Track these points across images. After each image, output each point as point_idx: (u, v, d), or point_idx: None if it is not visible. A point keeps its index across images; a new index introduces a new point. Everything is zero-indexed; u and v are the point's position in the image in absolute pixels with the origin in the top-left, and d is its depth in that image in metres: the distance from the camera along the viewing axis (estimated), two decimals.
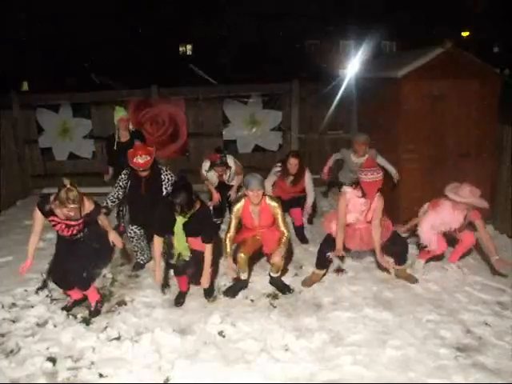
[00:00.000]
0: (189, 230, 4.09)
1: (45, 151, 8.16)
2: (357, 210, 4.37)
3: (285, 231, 4.31)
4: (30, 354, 3.65)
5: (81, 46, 20.70)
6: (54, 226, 3.96)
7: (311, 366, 3.44)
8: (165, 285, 4.62)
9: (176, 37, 26.44)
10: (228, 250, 4.31)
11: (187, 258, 4.18)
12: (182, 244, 4.14)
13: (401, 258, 4.66)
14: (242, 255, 4.39)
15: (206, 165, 5.79)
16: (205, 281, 4.17)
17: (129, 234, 5.01)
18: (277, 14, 24.50)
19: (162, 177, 4.82)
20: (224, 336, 3.85)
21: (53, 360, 3.58)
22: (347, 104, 7.56)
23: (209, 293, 4.50)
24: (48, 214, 3.87)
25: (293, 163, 5.36)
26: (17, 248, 5.61)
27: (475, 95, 5.49)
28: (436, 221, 4.56)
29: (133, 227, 4.98)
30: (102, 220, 4.14)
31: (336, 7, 24.46)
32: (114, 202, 4.93)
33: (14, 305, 4.40)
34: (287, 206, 5.63)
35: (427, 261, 4.94)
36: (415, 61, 5.53)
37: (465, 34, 27.27)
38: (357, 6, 24.16)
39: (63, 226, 3.96)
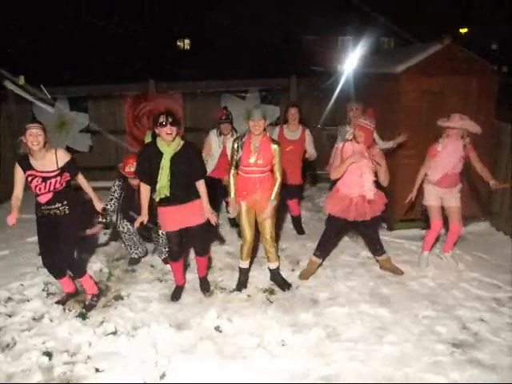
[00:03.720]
0: (176, 166, 3.93)
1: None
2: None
3: (278, 177, 4.26)
4: (26, 348, 3.64)
5: (78, 40, 20.62)
6: (30, 182, 3.86)
7: (307, 362, 3.45)
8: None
9: (174, 31, 26.35)
10: (232, 187, 4.33)
11: (167, 195, 4.01)
12: (164, 180, 3.94)
13: (378, 247, 4.77)
14: (247, 237, 4.39)
15: (214, 131, 5.76)
16: (208, 213, 4.11)
17: (121, 229, 5.00)
18: (276, 9, 24.42)
19: None
20: (221, 331, 3.85)
21: (49, 354, 3.57)
22: (345, 99, 7.54)
23: (205, 287, 4.51)
24: (26, 167, 3.85)
25: (293, 112, 5.52)
26: (13, 242, 5.60)
27: (473, 92, 5.49)
28: (443, 159, 4.61)
29: (126, 222, 4.98)
30: (82, 181, 4.09)
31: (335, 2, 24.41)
32: (111, 215, 4.95)
33: (9, 299, 4.38)
34: (284, 196, 5.64)
35: (431, 249, 4.99)
36: (414, 57, 5.52)
37: (463, 30, 27.27)
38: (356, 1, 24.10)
39: (40, 181, 3.85)
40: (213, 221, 4.13)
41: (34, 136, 3.74)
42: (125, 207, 4.98)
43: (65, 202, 3.98)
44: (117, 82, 8.59)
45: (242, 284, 4.57)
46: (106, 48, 20.64)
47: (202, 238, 4.34)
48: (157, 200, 4.10)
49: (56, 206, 3.96)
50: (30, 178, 3.87)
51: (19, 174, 3.90)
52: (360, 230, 4.99)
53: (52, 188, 3.90)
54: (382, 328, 3.84)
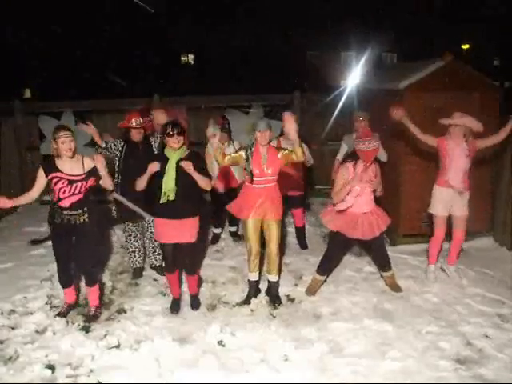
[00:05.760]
0: (182, 170, 4.00)
1: (46, 158, 8.15)
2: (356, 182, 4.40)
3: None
4: (29, 361, 3.63)
5: (83, 54, 20.84)
6: (55, 185, 3.91)
7: (310, 377, 3.44)
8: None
9: (178, 46, 26.62)
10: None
11: (172, 198, 4.06)
12: (170, 184, 4.03)
13: (386, 263, 4.73)
14: (253, 249, 4.43)
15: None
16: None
17: (126, 233, 5.07)
18: (279, 25, 24.68)
19: (153, 143, 4.99)
20: (223, 345, 3.84)
21: (52, 367, 3.57)
22: (348, 115, 7.59)
23: (195, 304, 4.48)
24: (51, 169, 3.93)
25: None
26: (16, 255, 5.62)
27: (475, 108, 5.51)
28: (455, 160, 4.68)
29: (129, 225, 5.03)
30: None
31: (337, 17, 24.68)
32: (111, 150, 4.92)
33: (13, 311, 4.38)
34: (289, 205, 5.66)
35: (436, 261, 5.02)
36: (416, 73, 5.57)
37: (465, 46, 27.49)
38: (358, 16, 24.36)
39: (65, 183, 3.91)
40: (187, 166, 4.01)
41: (67, 143, 3.89)
42: (126, 168, 4.84)
43: (85, 209, 4.05)
44: (122, 97, 8.68)
45: (250, 297, 4.56)
46: (111, 63, 20.84)
47: (191, 256, 4.35)
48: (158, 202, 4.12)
49: (78, 211, 4.01)
50: (54, 180, 3.93)
51: (41, 179, 3.98)
52: (368, 246, 4.96)
53: (77, 191, 3.96)
54: (386, 343, 3.83)
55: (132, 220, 5.00)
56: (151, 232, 5.05)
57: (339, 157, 5.68)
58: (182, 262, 4.35)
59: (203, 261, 5.50)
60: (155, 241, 5.04)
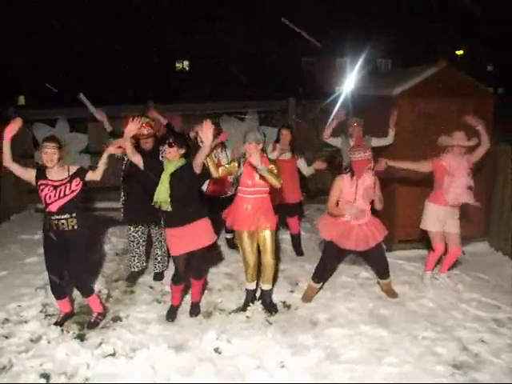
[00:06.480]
0: (175, 182, 4.05)
1: (41, 166, 8.14)
2: (349, 193, 4.40)
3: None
4: (24, 370, 3.60)
5: (78, 61, 20.84)
6: (41, 191, 3.96)
7: (307, 383, 3.42)
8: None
9: (173, 52, 26.67)
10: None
11: (168, 209, 4.08)
12: (163, 195, 4.05)
13: (384, 271, 4.73)
14: (250, 262, 4.43)
15: None
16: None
17: (129, 239, 5.10)
18: (274, 32, 24.76)
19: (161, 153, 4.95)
20: (220, 352, 3.83)
21: (46, 376, 3.54)
22: (343, 121, 7.60)
23: (195, 312, 4.48)
24: (41, 176, 4.01)
25: (285, 133, 5.50)
26: (11, 263, 5.59)
27: (468, 113, 5.51)
28: (457, 180, 4.68)
29: (131, 231, 5.05)
30: (94, 173, 4.11)
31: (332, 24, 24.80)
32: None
33: (7, 320, 4.35)
34: (284, 214, 5.67)
35: (433, 269, 5.04)
36: (410, 79, 5.60)
37: (459, 52, 27.69)
38: (353, 23, 24.50)
39: (50, 189, 3.95)
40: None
41: (48, 155, 3.95)
42: (130, 175, 4.85)
43: (73, 214, 4.02)
44: (116, 104, 8.66)
45: (247, 304, 4.56)
46: (105, 69, 20.84)
47: (201, 260, 4.38)
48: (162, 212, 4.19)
49: (65, 216, 3.99)
50: (41, 187, 3.98)
51: (29, 173, 4.05)
52: (365, 255, 4.95)
53: (62, 194, 3.98)
54: (382, 349, 3.83)
55: (136, 222, 5.02)
56: (158, 238, 5.11)
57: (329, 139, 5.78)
58: (190, 266, 4.36)
59: None
60: (160, 248, 5.15)
